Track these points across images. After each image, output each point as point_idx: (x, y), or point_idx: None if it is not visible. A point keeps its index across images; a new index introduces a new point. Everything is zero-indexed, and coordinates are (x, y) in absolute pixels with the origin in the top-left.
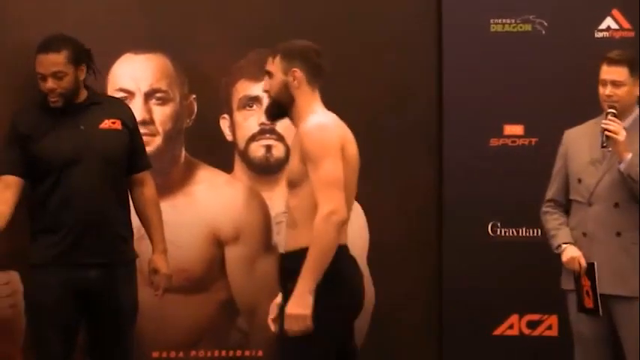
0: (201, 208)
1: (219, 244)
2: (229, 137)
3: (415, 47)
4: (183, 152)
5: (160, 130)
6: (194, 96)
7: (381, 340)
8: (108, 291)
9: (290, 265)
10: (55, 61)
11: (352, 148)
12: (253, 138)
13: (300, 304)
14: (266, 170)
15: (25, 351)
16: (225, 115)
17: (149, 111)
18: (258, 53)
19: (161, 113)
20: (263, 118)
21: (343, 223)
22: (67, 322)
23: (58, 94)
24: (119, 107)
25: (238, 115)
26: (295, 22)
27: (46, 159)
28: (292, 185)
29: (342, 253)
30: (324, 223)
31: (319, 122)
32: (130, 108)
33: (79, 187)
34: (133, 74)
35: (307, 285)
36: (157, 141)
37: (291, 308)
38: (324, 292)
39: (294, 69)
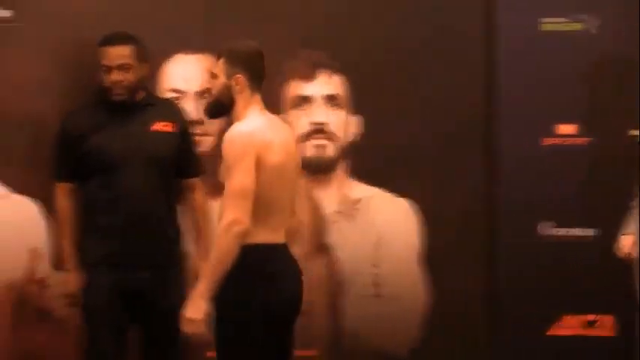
0: None
1: None
2: None
3: (466, 47)
4: None
5: (211, 130)
6: None
7: (434, 340)
8: (158, 292)
9: None
10: (122, 53)
11: (276, 153)
12: (305, 137)
13: (195, 309)
14: (318, 170)
15: (80, 351)
16: (277, 115)
17: (200, 111)
18: (309, 53)
19: None
20: (315, 118)
21: (244, 234)
22: (117, 323)
23: (124, 87)
24: (173, 110)
25: (290, 115)
26: (345, 22)
27: (98, 157)
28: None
29: (280, 251)
30: (224, 232)
31: (236, 130)
32: (184, 112)
33: (128, 187)
34: (185, 74)
35: (202, 290)
36: (209, 141)
37: (188, 312)
38: (257, 291)
39: (238, 75)
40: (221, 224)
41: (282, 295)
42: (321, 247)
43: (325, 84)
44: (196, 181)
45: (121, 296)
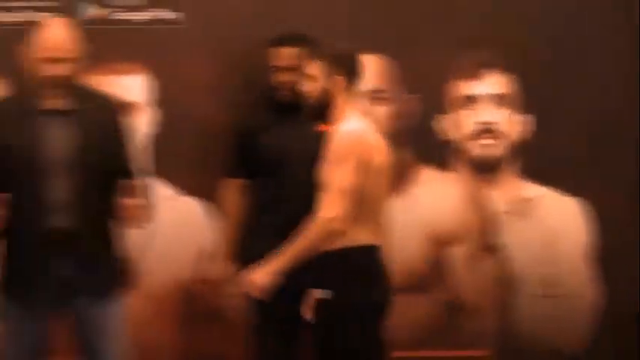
0: (423, 207)
1: (440, 243)
2: (449, 136)
3: (615, 44)
4: (404, 152)
5: (379, 129)
6: (415, 96)
7: (605, 340)
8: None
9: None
10: (291, 54)
11: (380, 158)
12: (472, 137)
13: (262, 276)
14: (485, 169)
15: (249, 350)
16: (444, 115)
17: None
18: (475, 53)
19: (381, 113)
20: (482, 118)
21: (338, 233)
22: (286, 322)
23: (291, 88)
24: None
25: (457, 115)
26: (512, 21)
27: (265, 157)
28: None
29: (380, 253)
30: (319, 225)
31: (344, 130)
32: None
33: (289, 186)
34: None
35: (276, 266)
36: None
37: (253, 275)
38: (370, 291)
39: (336, 74)
40: (318, 217)
41: (387, 295)
42: (490, 247)
43: (492, 83)
44: None
45: (289, 295)
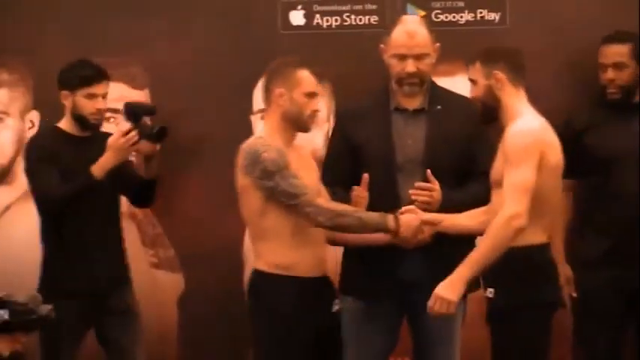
0: None
1: None
2: None
3: None
4: None
5: None
6: None
7: None
8: None
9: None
10: (618, 51)
11: (555, 154)
12: None
13: (453, 290)
14: None
15: None
16: None
17: None
18: None
19: None
20: None
21: (521, 230)
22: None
23: (617, 86)
24: None
25: None
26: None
27: (592, 155)
28: (497, 185)
29: (547, 252)
30: (505, 224)
31: (523, 126)
32: None
33: (619, 186)
34: None
35: (466, 274)
36: None
37: (442, 290)
38: (528, 288)
39: (495, 71)
40: (502, 216)
41: (559, 295)
42: None
43: None
44: None
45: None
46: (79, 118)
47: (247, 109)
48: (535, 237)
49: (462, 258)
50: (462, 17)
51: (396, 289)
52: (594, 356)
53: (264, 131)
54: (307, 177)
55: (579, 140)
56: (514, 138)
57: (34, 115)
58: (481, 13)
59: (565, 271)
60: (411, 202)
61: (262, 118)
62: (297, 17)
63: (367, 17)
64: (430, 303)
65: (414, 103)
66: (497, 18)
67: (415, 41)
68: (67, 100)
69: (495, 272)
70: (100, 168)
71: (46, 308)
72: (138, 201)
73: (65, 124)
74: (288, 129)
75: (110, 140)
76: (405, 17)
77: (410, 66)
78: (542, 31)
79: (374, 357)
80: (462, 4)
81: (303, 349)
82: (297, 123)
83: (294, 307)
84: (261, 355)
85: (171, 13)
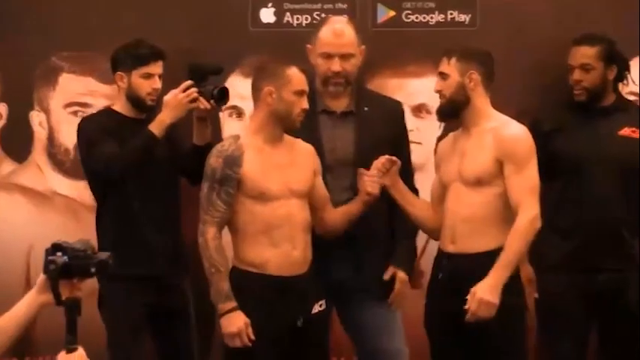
0: None
1: None
2: None
3: None
4: None
5: None
6: None
7: None
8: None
9: (491, 264)
10: (586, 53)
11: None
12: None
13: (494, 293)
14: None
15: None
16: None
17: None
18: None
19: None
20: None
21: (538, 231)
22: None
23: (583, 88)
24: None
25: None
26: None
27: (562, 158)
28: (479, 183)
29: None
30: (530, 224)
31: (521, 128)
32: None
33: (584, 189)
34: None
35: (504, 277)
36: None
37: (485, 294)
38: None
39: (472, 71)
40: (526, 217)
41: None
42: None
43: None
44: None
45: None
46: (134, 99)
47: None
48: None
49: (387, 257)
50: (432, 18)
51: (328, 287)
52: (558, 357)
53: (248, 128)
54: (295, 174)
55: (545, 143)
56: (521, 139)
57: (3, 108)
58: (451, 14)
59: (528, 272)
60: (341, 204)
61: (231, 115)
62: (267, 15)
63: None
64: (473, 307)
65: (340, 105)
66: (467, 19)
67: (342, 41)
68: (121, 81)
69: (484, 274)
70: (157, 125)
71: (104, 254)
72: (196, 178)
73: (120, 106)
74: (275, 126)
75: (167, 97)
76: (332, 17)
77: (336, 65)
78: (512, 33)
79: None
80: (432, 4)
81: (269, 347)
82: (285, 121)
83: (261, 304)
84: (227, 351)
85: (141, 8)
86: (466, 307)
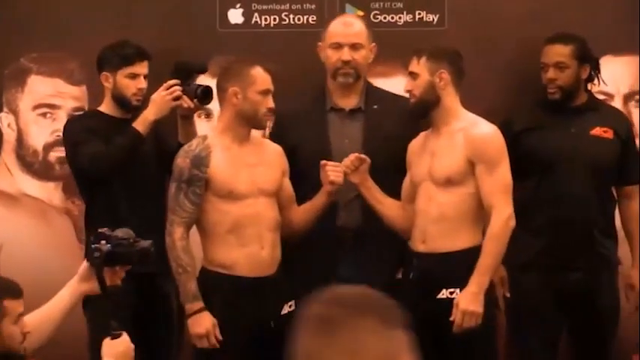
0: None
1: None
2: None
3: None
4: None
5: None
6: None
7: None
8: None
9: (463, 263)
10: (560, 52)
11: None
12: None
13: (477, 302)
14: None
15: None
16: None
17: (629, 113)
18: None
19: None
20: None
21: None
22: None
23: (557, 86)
24: (615, 116)
25: None
26: None
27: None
28: (450, 183)
29: None
30: (505, 225)
31: (492, 127)
32: (626, 119)
33: (557, 188)
34: (614, 76)
35: (484, 284)
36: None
37: (468, 305)
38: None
39: (442, 70)
40: (500, 218)
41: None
42: None
43: None
44: (634, 189)
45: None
46: (120, 99)
47: None
48: (480, 238)
49: (393, 257)
50: (400, 18)
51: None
52: (528, 356)
53: (216, 128)
54: (263, 173)
55: (517, 142)
56: (493, 139)
57: None
58: (420, 14)
59: (499, 271)
60: (349, 203)
61: (200, 116)
62: (235, 16)
63: (306, 17)
64: (457, 319)
65: (350, 103)
66: (435, 19)
67: (352, 30)
68: (107, 81)
69: (454, 273)
70: (141, 123)
71: (146, 242)
72: None
73: (105, 107)
74: (242, 126)
75: (153, 95)
76: (344, 14)
77: (345, 54)
78: (480, 32)
79: None
80: (400, 5)
81: (237, 348)
82: (251, 121)
83: (230, 306)
84: (196, 352)
85: (109, 9)
86: (451, 318)
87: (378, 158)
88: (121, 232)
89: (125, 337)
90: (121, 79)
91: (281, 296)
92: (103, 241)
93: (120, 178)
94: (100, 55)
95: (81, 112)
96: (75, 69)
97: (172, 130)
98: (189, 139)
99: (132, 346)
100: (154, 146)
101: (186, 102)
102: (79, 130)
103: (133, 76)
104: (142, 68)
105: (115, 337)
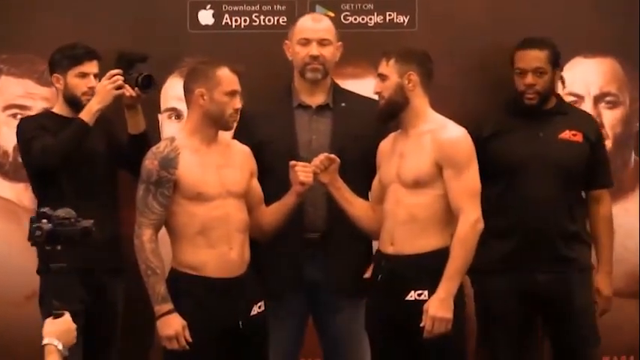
0: None
1: None
2: None
3: None
4: (633, 156)
5: (610, 133)
6: None
7: None
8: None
9: (431, 265)
10: (538, 56)
11: None
12: None
13: (446, 308)
14: None
15: None
16: None
17: (599, 115)
18: None
19: (611, 117)
20: None
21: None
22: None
23: (536, 92)
24: (584, 119)
25: None
26: None
27: (501, 161)
28: (418, 185)
29: None
30: (472, 229)
31: (461, 130)
32: (595, 122)
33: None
34: (584, 78)
35: (453, 288)
36: (607, 145)
37: (437, 311)
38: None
39: (410, 72)
40: (467, 222)
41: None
42: None
43: None
44: (604, 193)
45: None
46: (71, 99)
47: (155, 107)
48: (449, 240)
49: (362, 258)
50: (371, 19)
51: (300, 289)
52: (497, 358)
53: (184, 130)
54: (232, 175)
55: (485, 145)
56: (460, 142)
57: None
58: (390, 15)
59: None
60: (317, 200)
61: (170, 117)
62: (205, 17)
63: (276, 18)
64: (427, 326)
65: (317, 100)
66: (406, 21)
67: (320, 26)
68: (58, 82)
69: (423, 275)
70: (86, 112)
71: (88, 221)
72: (137, 169)
73: (58, 107)
74: (210, 127)
75: (97, 85)
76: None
77: (314, 49)
78: (450, 35)
79: (283, 357)
80: (371, 6)
81: (207, 349)
82: (218, 122)
83: (199, 307)
84: (166, 353)
85: (77, 9)
86: (421, 324)
87: (346, 155)
88: (63, 212)
89: (67, 317)
90: (72, 79)
91: (250, 297)
92: (45, 220)
93: (70, 174)
94: (50, 57)
95: (33, 114)
96: (45, 70)
97: (122, 126)
98: (138, 128)
99: (74, 325)
100: (104, 142)
101: (129, 90)
102: (32, 128)
103: (83, 75)
104: (92, 67)
105: (57, 316)
